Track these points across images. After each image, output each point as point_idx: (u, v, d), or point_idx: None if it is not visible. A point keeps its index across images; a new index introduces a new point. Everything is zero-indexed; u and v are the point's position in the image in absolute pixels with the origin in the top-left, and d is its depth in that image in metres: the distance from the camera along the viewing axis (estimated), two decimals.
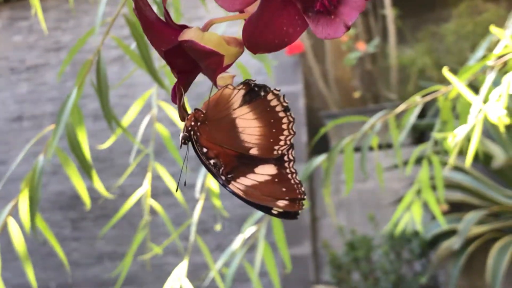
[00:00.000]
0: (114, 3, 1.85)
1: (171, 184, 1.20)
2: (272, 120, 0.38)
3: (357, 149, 1.24)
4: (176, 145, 1.08)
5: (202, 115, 0.38)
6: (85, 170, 0.88)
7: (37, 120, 3.46)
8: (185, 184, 0.41)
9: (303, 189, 0.38)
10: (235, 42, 0.35)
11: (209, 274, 1.21)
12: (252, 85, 0.37)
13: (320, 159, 0.99)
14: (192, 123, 0.38)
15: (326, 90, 3.01)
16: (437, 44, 3.00)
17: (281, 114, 0.38)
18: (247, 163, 0.38)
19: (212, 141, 0.38)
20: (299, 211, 0.38)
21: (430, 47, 2.96)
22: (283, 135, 0.38)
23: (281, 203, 0.38)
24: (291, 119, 0.38)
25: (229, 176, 0.38)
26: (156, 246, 1.22)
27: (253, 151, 0.38)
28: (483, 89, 0.95)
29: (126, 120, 1.09)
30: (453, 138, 0.93)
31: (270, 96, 0.38)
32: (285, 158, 0.38)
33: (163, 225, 2.56)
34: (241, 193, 0.38)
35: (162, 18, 0.36)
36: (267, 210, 0.38)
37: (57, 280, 3.30)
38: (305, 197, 0.38)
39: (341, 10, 0.30)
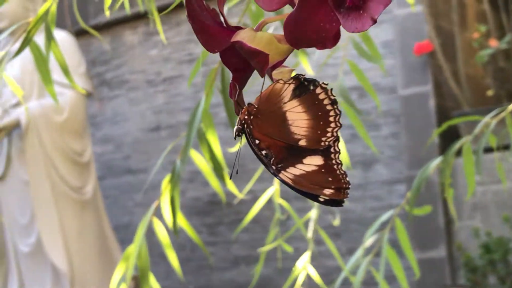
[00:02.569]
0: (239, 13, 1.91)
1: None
2: (320, 113, 0.39)
3: (488, 149, 1.20)
4: None
5: (254, 109, 0.40)
6: (217, 172, 0.93)
7: (174, 130, 3.61)
8: (237, 173, 0.44)
9: (347, 179, 0.40)
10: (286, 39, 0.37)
11: (339, 278, 1.22)
12: (302, 79, 0.39)
13: (437, 161, 0.98)
14: (246, 117, 0.40)
15: (457, 89, 2.94)
16: None
17: (329, 107, 0.39)
18: (296, 154, 0.40)
19: (263, 133, 0.40)
20: (344, 199, 0.40)
21: None
22: (330, 127, 0.40)
23: (327, 191, 0.40)
24: (338, 112, 0.39)
25: (279, 166, 0.40)
26: (287, 245, 1.25)
27: (302, 143, 0.40)
28: None
29: None
30: None
31: (318, 90, 0.39)
32: (332, 149, 0.40)
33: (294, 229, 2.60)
34: (290, 182, 0.40)
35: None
36: (314, 197, 0.40)
37: (195, 284, 3.42)
38: (349, 186, 0.40)
39: (369, 5, 0.32)
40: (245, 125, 0.40)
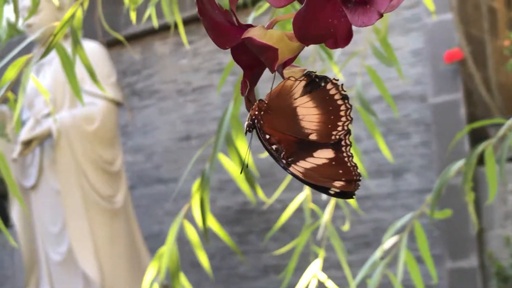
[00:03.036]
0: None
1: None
2: (330, 108, 0.40)
3: None
4: None
5: (265, 105, 0.41)
6: (245, 176, 0.94)
7: (204, 139, 3.62)
8: (247, 166, 0.45)
9: (358, 171, 0.40)
10: None
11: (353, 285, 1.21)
12: (313, 76, 0.40)
13: (458, 165, 0.97)
14: (256, 113, 0.41)
15: (488, 97, 2.91)
16: None
17: (339, 102, 0.40)
18: (307, 147, 0.41)
19: (274, 128, 0.41)
20: (355, 192, 0.40)
21: None
22: (341, 121, 0.40)
23: (338, 183, 0.40)
24: (349, 106, 0.40)
25: (289, 160, 0.41)
26: (318, 248, 1.25)
27: (312, 137, 0.40)
28: None
29: None
30: None
31: (329, 86, 0.40)
32: (342, 143, 0.41)
33: (324, 239, 2.59)
34: (300, 175, 0.41)
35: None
36: (324, 190, 0.41)
37: None
38: (360, 178, 0.40)
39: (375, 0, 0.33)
40: (256, 121, 0.41)
